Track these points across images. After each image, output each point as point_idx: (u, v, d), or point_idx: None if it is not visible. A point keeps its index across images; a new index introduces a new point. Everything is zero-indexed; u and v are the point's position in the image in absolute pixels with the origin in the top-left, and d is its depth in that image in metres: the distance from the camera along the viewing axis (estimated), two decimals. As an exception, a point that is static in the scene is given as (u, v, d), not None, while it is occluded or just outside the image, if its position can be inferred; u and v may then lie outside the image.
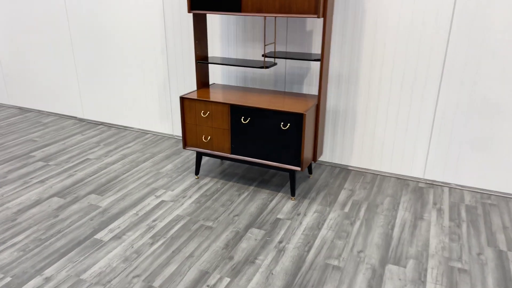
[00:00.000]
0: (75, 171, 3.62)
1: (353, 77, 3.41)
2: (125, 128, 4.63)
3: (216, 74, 3.94)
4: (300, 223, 2.85)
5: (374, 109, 3.42)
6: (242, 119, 3.09)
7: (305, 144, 2.93)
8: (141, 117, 4.51)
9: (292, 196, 3.15)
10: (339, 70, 3.44)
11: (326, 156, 3.73)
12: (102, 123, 4.78)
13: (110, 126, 4.72)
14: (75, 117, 4.96)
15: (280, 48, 3.55)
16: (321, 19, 3.32)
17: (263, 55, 3.14)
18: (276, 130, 2.99)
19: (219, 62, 3.27)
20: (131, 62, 4.31)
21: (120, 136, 4.43)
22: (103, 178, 3.48)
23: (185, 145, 3.39)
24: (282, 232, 2.74)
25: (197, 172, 3.47)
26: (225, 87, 3.53)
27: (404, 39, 3.14)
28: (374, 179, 3.48)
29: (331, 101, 3.55)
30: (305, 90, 3.61)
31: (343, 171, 3.63)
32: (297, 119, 2.89)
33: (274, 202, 3.12)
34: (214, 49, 3.84)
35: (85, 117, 4.88)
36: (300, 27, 3.41)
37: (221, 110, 3.13)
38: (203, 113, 3.22)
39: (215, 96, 3.25)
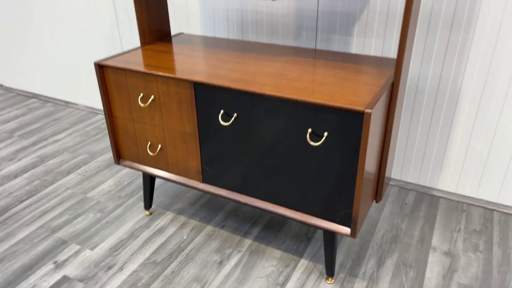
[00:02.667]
0: None
1: (459, 19, 1.61)
2: (67, 104, 3.00)
3: (191, 16, 2.20)
4: None
5: (499, 85, 1.65)
6: (220, 117, 1.39)
7: (365, 178, 1.23)
8: (87, 89, 2.86)
9: (329, 276, 1.51)
10: (431, 6, 1.65)
11: (390, 170, 2.02)
12: (35, 96, 3.16)
13: (46, 100, 3.09)
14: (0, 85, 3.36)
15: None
16: None
17: (268, -33, 1.37)
18: (296, 145, 1.30)
19: (176, -12, 1.53)
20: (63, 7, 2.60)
21: (54, 117, 2.81)
22: (-18, 211, 1.92)
23: (118, 158, 1.74)
24: None
25: (147, 205, 1.85)
26: (201, 41, 1.80)
27: None
28: (489, 220, 1.77)
29: (413, 68, 1.79)
30: (356, 48, 1.85)
31: (423, 199, 1.93)
32: (347, 122, 1.18)
33: (291, 285, 1.49)
34: (187, -31, 2.08)
35: (13, 85, 3.27)
36: None
37: (177, 94, 1.44)
38: (142, 98, 1.53)
39: (168, 62, 1.54)
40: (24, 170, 2.23)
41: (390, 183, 2.04)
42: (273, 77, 1.36)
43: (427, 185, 1.98)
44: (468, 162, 1.84)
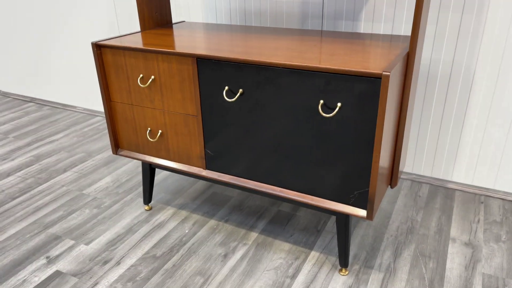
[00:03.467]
0: None
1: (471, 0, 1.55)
2: (64, 107, 2.93)
3: (192, 6, 2.14)
4: None
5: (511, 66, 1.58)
6: (225, 94, 1.31)
7: (382, 152, 1.14)
8: (85, 92, 2.79)
9: (342, 266, 1.39)
10: (442, -16, 1.59)
11: (404, 159, 1.93)
12: (32, 100, 3.09)
13: (43, 104, 3.02)
14: (-1, 91, 3.30)
15: None
16: None
17: None
18: (306, 121, 1.21)
19: (178, -35, 1.47)
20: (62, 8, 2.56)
21: (51, 120, 2.73)
22: (-28, 209, 1.81)
23: (116, 148, 1.65)
24: None
25: (147, 199, 1.74)
26: (204, 27, 1.73)
27: None
28: (509, 210, 1.67)
29: (425, 53, 1.72)
30: (364, 31, 1.78)
31: (438, 192, 1.82)
32: (363, 89, 1.09)
33: (302, 277, 1.37)
34: (188, -40, 2.03)
35: (9, 90, 3.20)
36: None
37: (179, 72, 1.36)
38: (141, 79, 1.45)
39: (169, 41, 1.47)
40: (18, 168, 2.13)
41: (402, 176, 1.95)
42: (280, 50, 1.28)
43: (441, 177, 1.89)
44: (484, 151, 1.75)
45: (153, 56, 1.38)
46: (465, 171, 1.82)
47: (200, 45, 1.38)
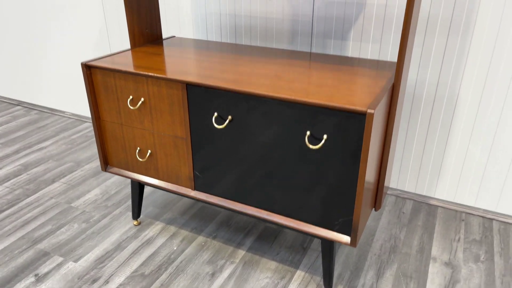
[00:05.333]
0: None
1: (457, 24, 1.59)
2: (52, 112, 2.91)
3: (183, 21, 2.15)
4: None
5: (497, 91, 1.62)
6: (214, 120, 1.33)
7: (365, 183, 1.17)
8: (74, 96, 2.78)
9: (326, 286, 1.43)
10: (429, 10, 1.62)
11: (389, 178, 1.97)
12: (19, 103, 3.07)
13: (30, 108, 3.00)
14: (-14, 93, 3.26)
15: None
16: None
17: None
18: (293, 149, 1.24)
19: (168, -12, 1.48)
20: (53, 11, 2.53)
21: (39, 125, 2.72)
22: (-41, 222, 1.81)
23: (105, 165, 1.66)
24: None
25: (135, 215, 1.76)
26: (194, 44, 1.74)
27: None
28: (489, 229, 1.72)
29: (411, 74, 1.76)
30: (352, 53, 1.81)
31: (421, 209, 1.87)
32: (348, 124, 1.12)
33: (286, 300, 1.41)
34: (179, -27, 2.03)
35: (-2, 92, 3.17)
36: None
37: (169, 96, 1.37)
38: (131, 101, 1.46)
39: (159, 64, 1.48)
40: (6, 178, 2.13)
41: (387, 192, 1.99)
42: (268, 78, 1.30)
43: (425, 194, 1.94)
44: (466, 170, 1.80)
45: (143, 79, 1.39)
46: (447, 188, 1.87)
47: (190, 69, 1.40)
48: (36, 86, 2.90)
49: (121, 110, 1.49)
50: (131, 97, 1.45)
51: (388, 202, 1.93)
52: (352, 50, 1.79)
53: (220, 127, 1.30)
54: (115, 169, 1.64)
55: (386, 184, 1.47)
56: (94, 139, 2.53)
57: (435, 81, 1.71)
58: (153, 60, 1.50)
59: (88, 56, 2.54)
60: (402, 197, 1.96)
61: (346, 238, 1.26)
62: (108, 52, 2.46)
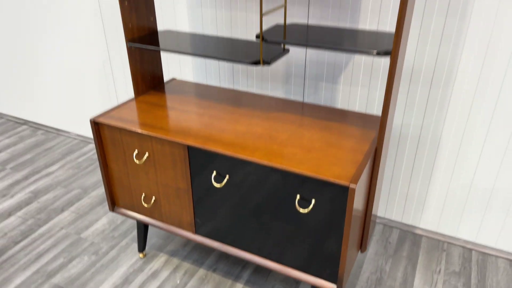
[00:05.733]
0: None
1: (439, 75, 1.70)
2: (58, 132, 3.03)
3: (183, 62, 2.25)
4: None
5: (476, 134, 1.75)
6: (213, 178, 1.46)
7: (349, 245, 1.31)
8: (79, 117, 2.90)
9: (316, 323, 1.58)
10: (413, 62, 1.73)
11: (376, 207, 2.11)
12: (25, 122, 3.18)
13: (36, 128, 3.12)
14: (-8, 110, 3.37)
15: (295, 15, 1.83)
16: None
17: (257, 37, 1.44)
18: (284, 208, 1.37)
19: (170, 49, 1.59)
20: (57, 32, 2.63)
21: (46, 147, 2.84)
22: (-23, 254, 1.95)
23: (113, 205, 1.80)
24: None
25: (141, 248, 1.90)
26: (194, 91, 1.86)
27: None
28: (468, 259, 1.87)
29: (396, 118, 1.88)
30: (342, 96, 1.92)
31: (406, 238, 2.02)
32: (334, 193, 1.25)
33: (279, 335, 1.56)
34: (175, 15, 2.13)
35: (3, 111, 3.28)
36: (339, -30, 1.67)
37: (171, 154, 1.50)
38: (137, 155, 1.59)
39: (162, 121, 1.60)
40: (18, 207, 2.26)
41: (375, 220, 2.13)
42: (263, 140, 1.43)
43: (410, 223, 2.08)
44: (449, 203, 1.93)
45: (147, 138, 1.51)
46: (431, 218, 2.01)
47: (191, 128, 1.52)
48: (42, 105, 3.01)
49: (127, 161, 1.62)
50: (136, 151, 1.57)
51: (376, 230, 2.07)
52: (342, 93, 1.91)
53: (219, 185, 1.43)
54: (122, 210, 1.78)
55: (373, 218, 1.61)
56: (98, 163, 2.66)
57: (419, 123, 1.83)
58: (157, 116, 1.61)
59: (91, 76, 2.65)
60: (389, 225, 2.10)
61: (332, 286, 1.41)
62: (110, 73, 2.57)
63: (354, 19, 1.74)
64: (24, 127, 3.14)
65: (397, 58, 1.22)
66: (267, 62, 1.43)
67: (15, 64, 2.93)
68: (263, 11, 1.88)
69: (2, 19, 2.79)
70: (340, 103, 1.93)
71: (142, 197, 1.67)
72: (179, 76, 2.31)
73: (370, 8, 1.70)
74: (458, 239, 1.99)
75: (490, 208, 1.86)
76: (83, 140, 2.93)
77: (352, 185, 1.19)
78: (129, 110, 1.66)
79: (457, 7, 1.57)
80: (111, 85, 2.59)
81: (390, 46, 1.30)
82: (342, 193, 1.23)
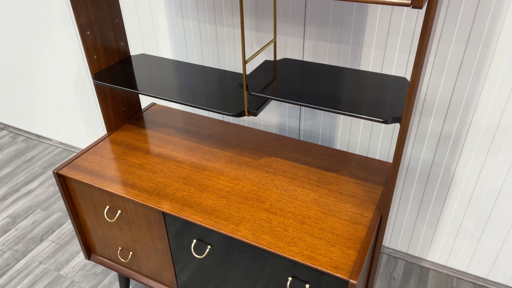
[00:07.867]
0: None
1: (455, 107, 1.47)
2: (39, 139, 2.84)
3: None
4: None
5: (494, 175, 1.54)
6: (193, 248, 1.27)
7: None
8: (61, 123, 2.69)
9: None
10: (425, 92, 1.50)
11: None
12: (5, 127, 2.98)
13: (17, 133, 2.92)
14: (-30, 112, 3.16)
15: (290, 50, 1.58)
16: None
17: (240, 86, 1.20)
18: (273, 285, 1.19)
19: (143, 89, 1.36)
20: (25, 38, 2.37)
21: (26, 159, 2.65)
22: (-51, 298, 1.82)
23: (88, 253, 1.63)
24: None
25: (124, 292, 1.76)
26: (174, 124, 1.64)
27: None
28: (478, 307, 1.71)
29: (409, 152, 1.66)
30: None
31: (412, 272, 1.86)
32: (330, 282, 1.07)
33: None
34: (154, 27, 1.87)
35: (-18, 114, 3.07)
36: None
37: (146, 215, 1.31)
38: (108, 211, 1.40)
39: (134, 174, 1.39)
40: (-6, 236, 2.11)
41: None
42: (249, 203, 1.23)
43: (417, 255, 1.91)
44: (460, 239, 1.76)
45: (118, 196, 1.31)
46: (440, 252, 1.84)
47: (167, 185, 1.31)
48: (24, 111, 2.80)
49: (99, 214, 1.43)
50: (107, 207, 1.38)
51: (380, 262, 1.91)
52: (343, 118, 1.68)
53: (200, 257, 1.24)
54: (99, 259, 1.61)
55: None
56: (82, 178, 2.47)
57: (430, 158, 1.62)
58: (129, 165, 1.41)
59: (75, 80, 2.42)
60: (394, 256, 1.94)
61: None
62: (87, 72, 2.34)
63: (357, 41, 1.49)
64: (4, 132, 2.93)
65: (407, 127, 1.00)
66: (253, 113, 1.20)
67: (-12, 67, 2.69)
68: (250, 44, 1.62)
69: (-32, 19, 2.53)
70: (341, 131, 1.71)
71: (119, 251, 1.50)
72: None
73: (376, 29, 1.45)
74: (469, 275, 1.83)
75: (506, 245, 1.68)
76: (66, 148, 2.74)
77: (352, 281, 1.00)
78: (99, 157, 1.45)
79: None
80: (88, 90, 2.36)
81: (399, 109, 1.08)
82: (340, 285, 1.05)
